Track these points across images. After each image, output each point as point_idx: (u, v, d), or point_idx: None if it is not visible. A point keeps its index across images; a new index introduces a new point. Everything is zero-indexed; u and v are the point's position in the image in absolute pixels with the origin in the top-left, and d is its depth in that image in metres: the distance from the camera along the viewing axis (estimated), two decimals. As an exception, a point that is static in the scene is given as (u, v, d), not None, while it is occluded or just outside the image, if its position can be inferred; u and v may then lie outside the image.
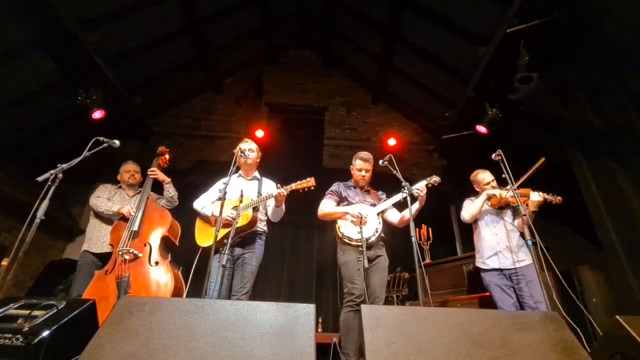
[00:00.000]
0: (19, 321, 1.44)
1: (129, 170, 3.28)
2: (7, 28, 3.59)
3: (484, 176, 3.11)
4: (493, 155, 2.55)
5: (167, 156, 3.34)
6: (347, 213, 2.75)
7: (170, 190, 3.20)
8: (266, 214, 2.89)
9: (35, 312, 1.48)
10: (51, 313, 1.49)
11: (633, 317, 1.45)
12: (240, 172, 3.00)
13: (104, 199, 3.10)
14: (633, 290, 2.83)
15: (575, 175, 3.56)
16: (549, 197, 2.65)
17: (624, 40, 3.17)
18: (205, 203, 2.82)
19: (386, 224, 2.86)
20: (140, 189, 3.20)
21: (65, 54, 4.01)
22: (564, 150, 3.78)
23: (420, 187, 2.67)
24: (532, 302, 2.57)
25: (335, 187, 2.98)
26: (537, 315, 1.55)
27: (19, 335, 1.36)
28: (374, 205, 2.86)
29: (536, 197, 2.61)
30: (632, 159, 3.06)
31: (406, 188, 2.56)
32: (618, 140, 3.17)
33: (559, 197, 2.65)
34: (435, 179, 2.79)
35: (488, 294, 2.96)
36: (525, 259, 2.72)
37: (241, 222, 2.54)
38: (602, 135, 3.29)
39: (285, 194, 2.60)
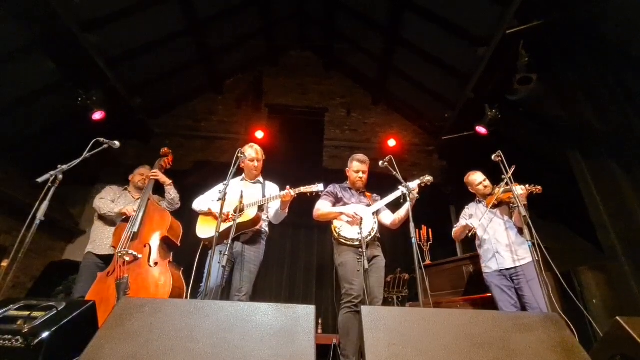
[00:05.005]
0: (18, 322, 1.44)
1: (143, 173, 3.27)
2: (8, 29, 3.59)
3: (475, 177, 3.18)
4: (493, 156, 2.56)
5: (169, 158, 3.34)
6: (342, 213, 2.75)
7: (171, 192, 3.19)
8: (267, 216, 2.89)
9: (35, 314, 1.49)
10: (51, 314, 1.49)
11: (633, 318, 1.45)
12: (243, 175, 3.00)
13: (107, 200, 3.11)
14: (633, 291, 2.83)
15: (575, 175, 3.56)
16: (530, 187, 2.69)
17: (624, 41, 3.18)
18: (203, 201, 2.82)
19: (380, 225, 2.86)
20: None
21: (66, 55, 4.02)
22: (563, 151, 3.78)
23: (413, 187, 2.67)
24: (534, 302, 2.56)
25: (331, 188, 2.99)
26: (538, 316, 1.55)
27: (18, 337, 1.36)
28: (369, 206, 2.87)
29: (519, 191, 2.63)
30: (632, 160, 3.07)
31: (406, 189, 2.56)
32: (618, 140, 3.17)
33: (539, 187, 2.70)
34: (428, 178, 2.80)
35: (488, 295, 2.96)
36: (525, 256, 2.72)
37: (244, 218, 2.54)
38: (601, 135, 3.29)
39: (293, 194, 2.60)
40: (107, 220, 3.09)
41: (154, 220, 2.84)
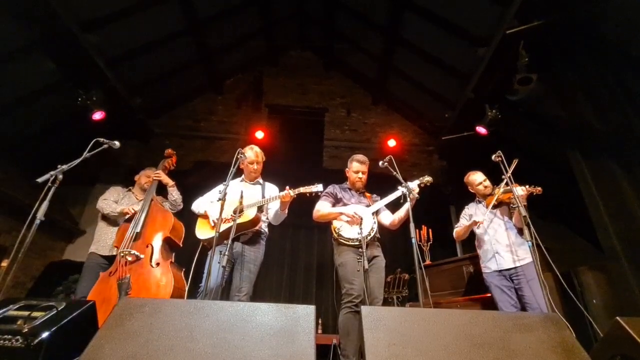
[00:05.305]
0: (18, 322, 1.44)
1: (149, 175, 3.26)
2: (8, 29, 3.59)
3: (475, 177, 3.18)
4: (493, 157, 2.56)
5: (174, 159, 3.34)
6: (342, 213, 2.75)
7: (173, 194, 3.19)
8: (267, 217, 2.89)
9: (35, 313, 1.49)
10: (51, 314, 1.49)
11: (633, 318, 1.45)
12: (242, 176, 3.00)
13: (110, 201, 3.12)
14: (633, 291, 2.83)
15: (575, 175, 3.57)
16: (530, 188, 2.69)
17: (624, 41, 3.18)
18: (202, 203, 2.82)
19: (380, 226, 2.86)
20: None
21: (66, 56, 4.02)
22: (563, 151, 3.78)
23: (412, 187, 2.67)
24: (534, 302, 2.56)
25: (330, 188, 2.99)
26: (538, 316, 1.55)
27: (18, 337, 1.36)
28: (369, 206, 2.87)
29: (520, 191, 2.63)
30: (632, 160, 3.07)
31: (405, 189, 2.56)
32: (618, 140, 3.17)
33: (539, 188, 2.70)
34: (428, 178, 2.80)
35: (488, 295, 2.96)
36: (525, 257, 2.72)
37: (244, 219, 2.54)
38: (601, 135, 3.30)
39: (293, 195, 2.60)
40: (110, 220, 3.11)
41: (157, 221, 2.84)
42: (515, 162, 2.56)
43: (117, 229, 2.95)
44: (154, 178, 3.13)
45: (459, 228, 3.10)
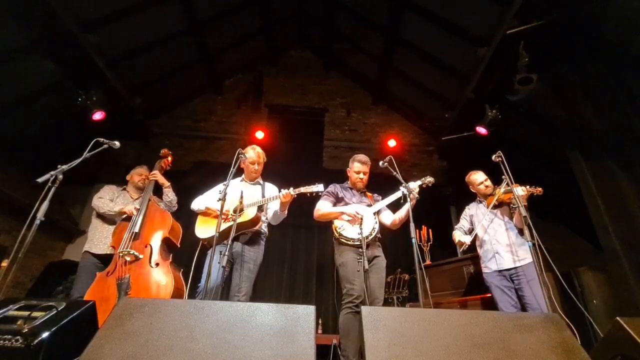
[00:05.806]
0: (18, 322, 1.44)
1: (141, 173, 3.26)
2: (8, 29, 3.59)
3: (476, 177, 3.18)
4: (493, 157, 2.56)
5: (169, 159, 3.34)
6: (343, 212, 2.75)
7: (169, 195, 3.18)
8: (266, 217, 2.89)
9: (35, 314, 1.49)
10: (51, 314, 1.49)
11: (634, 319, 1.44)
12: (243, 176, 3.00)
13: (107, 199, 3.11)
14: (633, 291, 2.83)
15: (575, 175, 3.57)
16: (531, 189, 2.69)
17: (624, 41, 3.18)
18: (202, 201, 2.82)
19: (380, 225, 2.86)
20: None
21: (66, 56, 4.02)
22: (563, 151, 3.78)
23: (413, 188, 2.67)
24: (534, 302, 2.56)
25: (331, 188, 2.99)
26: (538, 317, 1.55)
27: (18, 337, 1.36)
28: (370, 206, 2.87)
29: (520, 192, 2.63)
30: (632, 160, 3.06)
31: (406, 188, 2.56)
32: (618, 140, 3.17)
33: (540, 189, 2.70)
34: (430, 179, 2.80)
35: (488, 295, 2.96)
36: (525, 257, 2.71)
37: (243, 218, 2.53)
38: (601, 136, 3.30)
39: (293, 195, 2.59)
40: (105, 219, 3.09)
41: (155, 221, 2.84)
42: (506, 179, 2.55)
43: (112, 228, 2.93)
44: (150, 179, 3.13)
45: (456, 233, 3.08)
